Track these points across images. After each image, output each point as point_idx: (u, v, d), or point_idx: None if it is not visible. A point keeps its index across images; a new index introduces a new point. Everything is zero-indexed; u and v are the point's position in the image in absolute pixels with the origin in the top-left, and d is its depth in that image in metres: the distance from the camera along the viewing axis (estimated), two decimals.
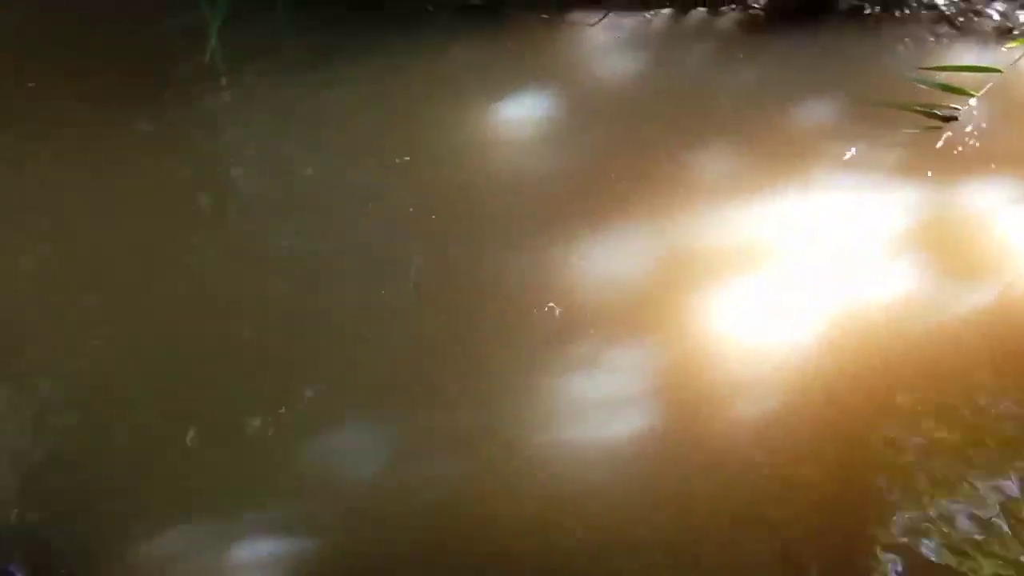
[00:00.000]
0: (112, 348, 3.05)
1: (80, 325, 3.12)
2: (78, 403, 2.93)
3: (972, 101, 3.77)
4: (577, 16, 4.28)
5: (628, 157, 3.60)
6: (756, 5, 4.27)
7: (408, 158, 3.62)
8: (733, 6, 4.28)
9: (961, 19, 4.31)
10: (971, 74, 3.82)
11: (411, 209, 3.47)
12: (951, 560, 2.61)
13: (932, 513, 2.70)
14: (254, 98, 3.93)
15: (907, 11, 4.29)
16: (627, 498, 2.76)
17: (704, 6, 4.29)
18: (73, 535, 2.64)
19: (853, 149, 3.66)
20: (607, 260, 3.29)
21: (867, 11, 4.32)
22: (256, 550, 2.62)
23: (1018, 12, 4.33)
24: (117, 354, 3.04)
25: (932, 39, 4.24)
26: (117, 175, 3.58)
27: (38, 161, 3.61)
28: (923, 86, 3.82)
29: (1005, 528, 2.66)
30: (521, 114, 3.84)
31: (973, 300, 3.20)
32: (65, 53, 4.04)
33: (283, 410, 2.92)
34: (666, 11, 4.29)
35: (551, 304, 3.15)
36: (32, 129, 3.69)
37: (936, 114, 3.78)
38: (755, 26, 4.16)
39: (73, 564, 2.59)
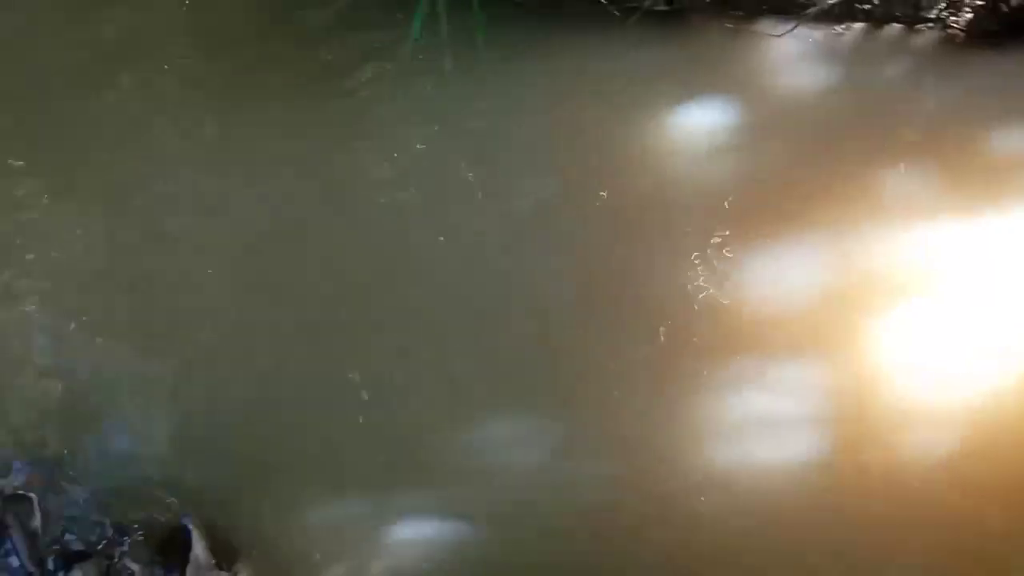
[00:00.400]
0: (285, 333, 3.18)
1: (255, 311, 3.24)
2: (256, 383, 3.07)
3: None
4: (764, 26, 4.19)
5: (810, 172, 3.52)
6: (956, 24, 4.10)
7: (585, 161, 3.64)
8: (931, 24, 4.12)
9: None
10: None
11: (584, 210, 3.49)
12: None
13: None
14: (448, 91, 4.01)
15: None
16: (780, 521, 2.72)
17: (900, 23, 4.14)
18: (242, 499, 2.79)
19: None
20: (780, 275, 3.23)
21: None
22: (412, 530, 2.70)
23: None
24: (291, 339, 3.16)
25: None
26: (297, 171, 3.72)
27: (238, 160, 3.74)
28: None
29: None
30: (701, 122, 3.80)
31: None
32: (253, 55, 4.19)
33: (449, 400, 3.00)
34: (859, 26, 4.16)
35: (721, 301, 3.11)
36: (231, 131, 3.80)
37: None
38: (954, 45, 3.98)
39: (239, 521, 2.73)
